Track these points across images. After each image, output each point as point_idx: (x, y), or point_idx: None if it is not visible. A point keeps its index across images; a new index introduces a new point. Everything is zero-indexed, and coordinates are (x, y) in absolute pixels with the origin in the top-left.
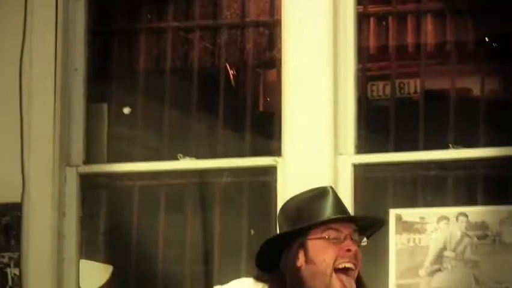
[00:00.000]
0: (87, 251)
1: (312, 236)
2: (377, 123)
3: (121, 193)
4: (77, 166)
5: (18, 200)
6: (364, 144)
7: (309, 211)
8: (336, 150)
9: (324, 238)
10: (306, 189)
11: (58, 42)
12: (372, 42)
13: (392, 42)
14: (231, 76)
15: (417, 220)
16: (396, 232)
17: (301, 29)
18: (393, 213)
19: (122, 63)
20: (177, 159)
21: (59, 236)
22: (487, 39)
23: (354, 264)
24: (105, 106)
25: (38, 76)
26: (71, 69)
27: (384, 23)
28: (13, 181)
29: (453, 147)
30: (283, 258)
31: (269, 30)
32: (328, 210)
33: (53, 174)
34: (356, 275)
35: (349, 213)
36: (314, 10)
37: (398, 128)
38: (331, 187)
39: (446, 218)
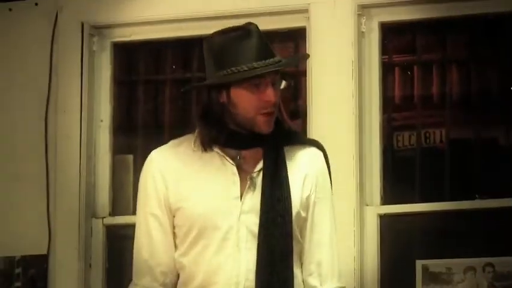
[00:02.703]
0: None
1: (234, 84)
2: (402, 173)
3: None
4: (103, 218)
5: (44, 251)
6: (390, 194)
7: (232, 53)
8: (362, 201)
9: (245, 88)
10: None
11: (84, 93)
12: (397, 92)
13: (417, 92)
14: None
15: (444, 271)
16: (423, 283)
17: (326, 80)
18: (419, 264)
19: (147, 113)
20: None
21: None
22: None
23: (272, 111)
24: (131, 157)
25: (64, 127)
26: (96, 120)
27: (409, 72)
28: (39, 233)
29: (479, 198)
30: (205, 96)
31: (294, 81)
32: (251, 55)
33: (79, 225)
34: (275, 115)
35: (273, 54)
36: (339, 60)
37: (423, 178)
38: (255, 26)
39: (473, 269)
